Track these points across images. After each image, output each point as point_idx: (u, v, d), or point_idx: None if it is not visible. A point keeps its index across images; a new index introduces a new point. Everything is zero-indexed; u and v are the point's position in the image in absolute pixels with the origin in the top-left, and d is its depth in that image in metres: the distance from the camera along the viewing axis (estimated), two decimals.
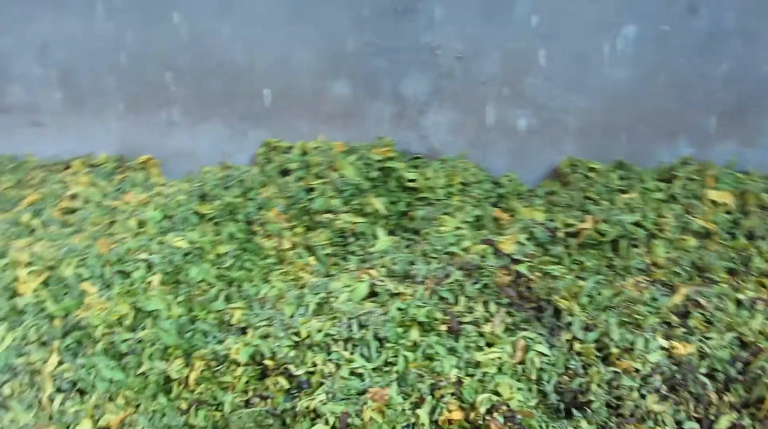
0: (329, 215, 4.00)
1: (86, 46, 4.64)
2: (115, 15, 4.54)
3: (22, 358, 3.40)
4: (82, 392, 3.32)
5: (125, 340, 3.43)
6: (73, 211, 4.33)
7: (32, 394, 3.30)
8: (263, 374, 3.21)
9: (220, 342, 3.40)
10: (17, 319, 3.56)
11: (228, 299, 3.66)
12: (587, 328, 3.20)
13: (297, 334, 3.25)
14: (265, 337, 3.29)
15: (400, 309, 3.30)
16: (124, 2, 4.51)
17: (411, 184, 4.15)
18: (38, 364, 3.38)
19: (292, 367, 3.14)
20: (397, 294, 3.42)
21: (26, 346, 3.45)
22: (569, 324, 3.23)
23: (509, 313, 3.33)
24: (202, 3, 4.40)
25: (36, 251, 3.86)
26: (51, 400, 3.28)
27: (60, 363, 3.38)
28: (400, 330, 3.22)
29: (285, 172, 4.28)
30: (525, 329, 3.24)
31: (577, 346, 3.14)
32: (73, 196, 4.40)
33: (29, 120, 4.87)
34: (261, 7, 4.31)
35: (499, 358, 3.09)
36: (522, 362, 3.10)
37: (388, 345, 3.17)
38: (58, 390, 3.32)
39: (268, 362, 3.19)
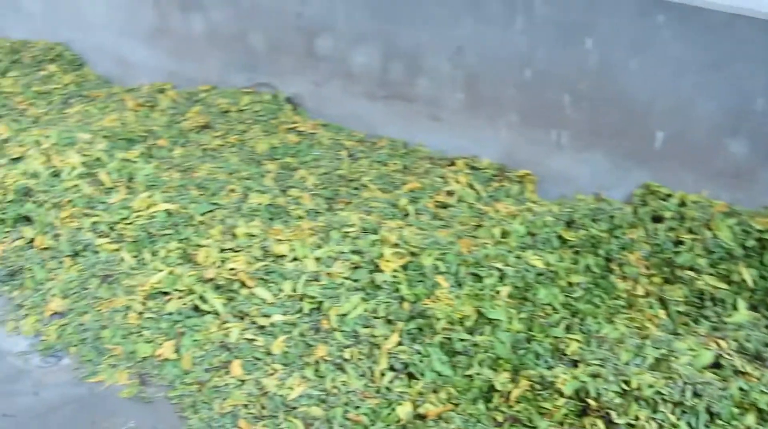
0: (691, 273, 3.85)
1: (496, 55, 4.81)
2: (531, 30, 4.63)
3: (367, 329, 3.67)
4: (411, 376, 3.51)
5: (462, 340, 3.57)
6: (445, 206, 4.55)
7: (367, 365, 3.56)
8: (583, 412, 3.19)
9: (550, 368, 3.43)
10: (372, 292, 3.83)
11: (568, 328, 3.66)
12: None
13: (627, 382, 3.19)
14: (595, 376, 3.26)
15: (741, 389, 3.12)
16: (543, 19, 4.57)
17: None
18: (380, 339, 3.63)
19: (613, 414, 3.10)
20: (743, 372, 3.23)
21: (373, 319, 3.72)
22: None
23: None
24: (618, 35, 4.37)
25: (404, 235, 4.11)
26: (382, 374, 3.51)
27: (399, 344, 3.60)
28: (736, 410, 3.05)
29: (657, 219, 4.17)
30: None
31: None
32: (450, 193, 4.62)
33: (429, 113, 5.16)
34: (675, 50, 4.21)
35: None
36: None
37: (719, 422, 3.02)
38: (391, 368, 3.54)
39: (591, 402, 3.16)
